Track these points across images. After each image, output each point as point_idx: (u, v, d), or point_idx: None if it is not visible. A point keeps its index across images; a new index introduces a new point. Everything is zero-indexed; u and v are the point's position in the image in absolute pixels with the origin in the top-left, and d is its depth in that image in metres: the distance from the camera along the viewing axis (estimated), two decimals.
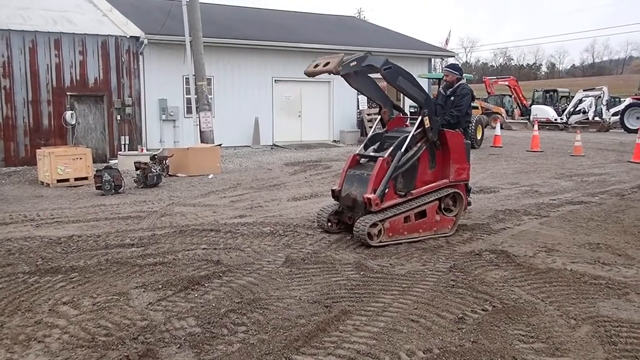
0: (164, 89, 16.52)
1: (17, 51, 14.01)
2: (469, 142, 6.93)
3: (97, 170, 9.94)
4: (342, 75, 5.88)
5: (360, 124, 20.47)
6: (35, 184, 11.11)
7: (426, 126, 6.17)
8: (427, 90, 7.06)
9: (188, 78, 15.36)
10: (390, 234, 5.96)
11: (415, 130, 6.16)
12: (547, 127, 27.64)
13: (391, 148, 6.12)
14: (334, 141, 20.05)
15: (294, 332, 3.67)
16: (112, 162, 13.65)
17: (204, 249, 5.82)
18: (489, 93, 34.39)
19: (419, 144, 6.24)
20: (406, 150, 6.10)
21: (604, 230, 6.73)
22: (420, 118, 6.17)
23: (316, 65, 5.82)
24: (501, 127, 21.24)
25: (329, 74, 5.68)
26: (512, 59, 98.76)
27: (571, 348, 3.48)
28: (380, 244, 5.85)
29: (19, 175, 12.42)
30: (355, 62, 5.61)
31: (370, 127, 19.65)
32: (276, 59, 18.66)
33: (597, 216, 7.49)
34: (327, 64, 5.63)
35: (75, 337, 3.63)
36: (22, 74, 14.12)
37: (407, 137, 6.13)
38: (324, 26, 23.40)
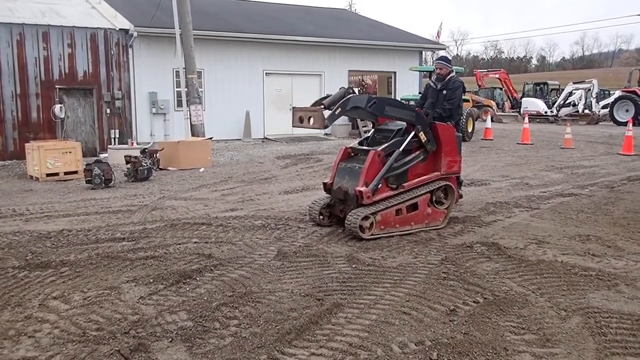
0: (154, 82, 16.39)
1: (5, 44, 13.81)
2: (460, 135, 6.96)
3: (87, 164, 9.86)
4: None
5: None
6: (24, 178, 11.01)
7: (423, 140, 6.28)
8: (418, 86, 7.06)
9: (178, 71, 15.25)
10: (382, 227, 5.97)
11: (412, 139, 6.21)
12: (538, 120, 27.76)
13: (386, 144, 6.14)
14: (325, 134, 20.02)
15: (286, 325, 3.67)
16: (102, 155, 13.56)
17: (195, 242, 5.80)
18: (479, 86, 34.56)
19: (417, 152, 6.32)
20: (404, 153, 6.15)
21: (594, 222, 6.78)
22: (413, 133, 6.22)
23: (301, 120, 5.97)
24: (492, 120, 21.33)
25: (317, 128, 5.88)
26: (503, 52, 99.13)
27: (562, 339, 3.51)
28: (372, 236, 5.86)
29: (7, 170, 12.30)
30: (340, 109, 5.71)
31: (362, 121, 19.74)
32: (267, 52, 18.57)
33: (587, 208, 7.54)
34: (310, 118, 5.80)
35: (66, 331, 3.61)
36: (9, 67, 13.92)
37: (404, 138, 6.18)
38: (316, 19, 23.31)
